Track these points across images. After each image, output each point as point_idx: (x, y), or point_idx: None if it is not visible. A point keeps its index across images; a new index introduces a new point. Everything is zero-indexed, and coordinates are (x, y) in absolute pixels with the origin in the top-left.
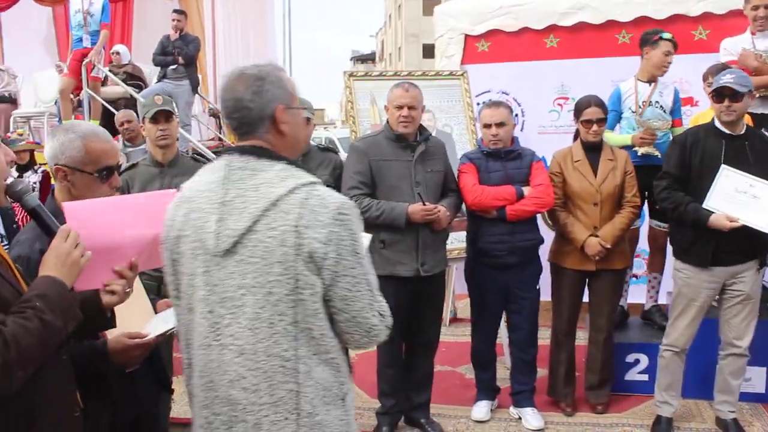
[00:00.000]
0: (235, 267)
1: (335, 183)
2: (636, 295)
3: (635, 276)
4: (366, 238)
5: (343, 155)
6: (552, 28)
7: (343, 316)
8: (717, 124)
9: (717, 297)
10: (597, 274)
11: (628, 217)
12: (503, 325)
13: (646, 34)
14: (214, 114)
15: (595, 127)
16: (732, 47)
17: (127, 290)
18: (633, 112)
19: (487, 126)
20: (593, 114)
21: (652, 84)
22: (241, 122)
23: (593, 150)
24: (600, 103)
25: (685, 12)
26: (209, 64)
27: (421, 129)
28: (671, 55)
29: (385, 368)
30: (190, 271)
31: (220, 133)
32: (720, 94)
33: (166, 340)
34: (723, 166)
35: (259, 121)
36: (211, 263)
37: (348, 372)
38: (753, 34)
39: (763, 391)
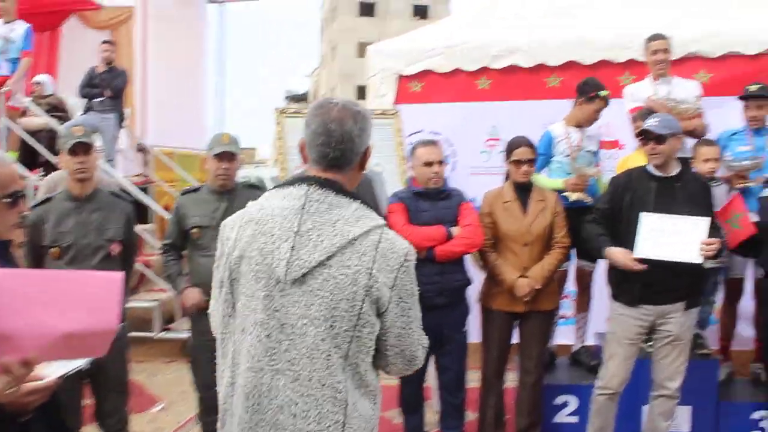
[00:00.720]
0: (300, 297)
1: None
2: (564, 335)
3: (563, 317)
4: (704, 221)
5: None
6: (484, 70)
7: (393, 351)
8: (649, 166)
9: (651, 338)
10: (526, 315)
11: (557, 257)
12: (432, 368)
13: (586, 86)
14: (141, 149)
15: (525, 168)
16: (636, 93)
17: (10, 390)
18: (566, 156)
19: (428, 164)
20: (523, 154)
21: (582, 129)
22: (344, 154)
23: (523, 190)
24: (530, 144)
25: (612, 58)
26: (138, 98)
27: None
28: (601, 112)
29: None
30: (250, 293)
31: (145, 168)
32: (645, 138)
33: (73, 385)
34: (642, 213)
35: (356, 157)
36: (275, 289)
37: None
38: (655, 80)
39: (688, 431)
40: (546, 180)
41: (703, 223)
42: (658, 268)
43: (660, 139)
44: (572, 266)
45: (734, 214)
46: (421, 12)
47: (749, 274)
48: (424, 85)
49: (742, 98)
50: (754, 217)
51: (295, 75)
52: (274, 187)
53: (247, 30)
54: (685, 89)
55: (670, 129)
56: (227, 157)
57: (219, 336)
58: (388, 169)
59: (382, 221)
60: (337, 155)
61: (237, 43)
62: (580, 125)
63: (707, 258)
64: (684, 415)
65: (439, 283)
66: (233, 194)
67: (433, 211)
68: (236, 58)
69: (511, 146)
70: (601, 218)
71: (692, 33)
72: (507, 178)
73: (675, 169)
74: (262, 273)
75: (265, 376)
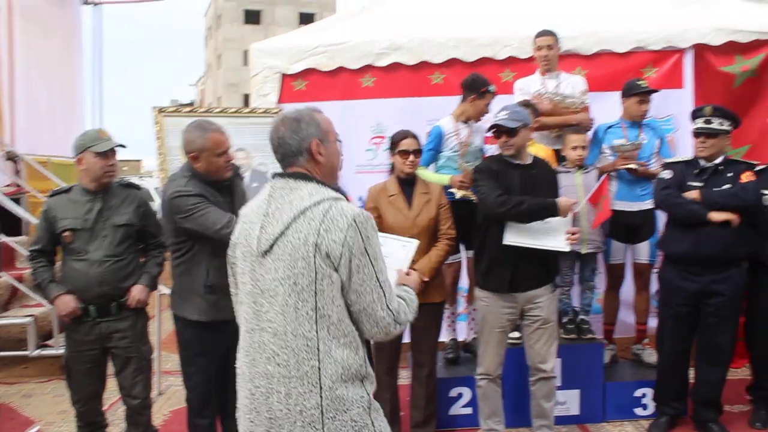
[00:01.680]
0: (271, 264)
1: (139, 221)
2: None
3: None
4: (412, 244)
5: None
6: (368, 68)
7: (355, 308)
8: (505, 156)
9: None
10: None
11: (444, 249)
12: None
13: (476, 83)
14: (11, 157)
15: (411, 158)
16: (525, 87)
17: None
18: (455, 152)
19: None
20: (410, 145)
21: (469, 125)
22: (284, 155)
23: (408, 184)
24: (415, 135)
25: (493, 55)
26: (6, 108)
27: (234, 168)
28: (489, 107)
29: (197, 419)
30: (242, 271)
31: (17, 177)
32: (497, 132)
33: None
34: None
35: (298, 153)
36: (255, 263)
37: (366, 358)
38: (543, 74)
39: (578, 413)
40: (433, 175)
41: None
42: (525, 255)
43: (511, 132)
44: (464, 260)
45: (602, 197)
46: (307, 20)
47: (628, 259)
48: (308, 84)
49: (635, 94)
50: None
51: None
52: None
53: (129, 37)
54: (571, 84)
55: (519, 121)
56: (112, 153)
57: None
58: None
59: (335, 195)
60: (278, 157)
61: (117, 51)
62: (469, 121)
63: (572, 245)
64: (573, 397)
65: None
66: (109, 194)
67: None
68: (117, 65)
69: (397, 137)
70: (505, 193)
71: (569, 31)
72: (391, 173)
73: (529, 158)
74: (246, 252)
75: (255, 335)
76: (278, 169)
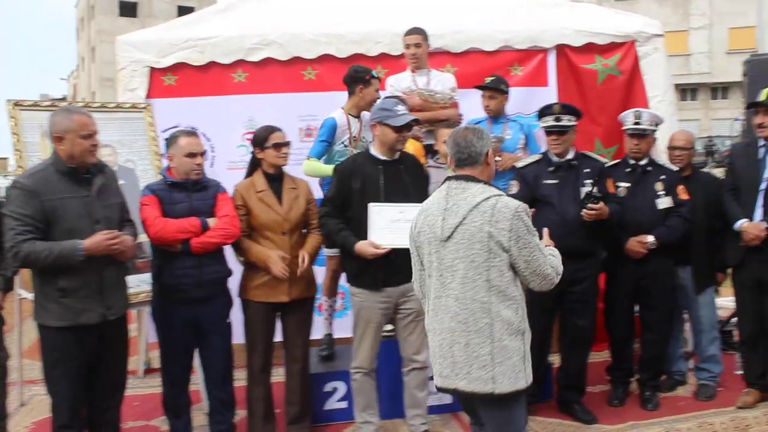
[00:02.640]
0: (452, 246)
1: None
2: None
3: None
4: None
5: None
6: (240, 63)
7: (528, 272)
8: (372, 151)
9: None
10: (288, 305)
11: (317, 239)
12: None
13: (358, 73)
14: None
15: (284, 150)
16: (396, 84)
17: None
18: (346, 146)
19: (191, 155)
20: (282, 138)
21: (360, 119)
22: (468, 156)
23: (275, 180)
24: (281, 129)
25: (365, 52)
26: None
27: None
28: (379, 92)
29: (63, 430)
30: (428, 252)
31: None
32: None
33: None
34: (369, 204)
35: (478, 157)
36: (439, 246)
37: (524, 316)
38: (413, 71)
39: (452, 401)
40: (322, 167)
41: None
42: (399, 253)
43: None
44: None
45: None
46: (186, 13)
47: None
48: (179, 79)
49: (479, 87)
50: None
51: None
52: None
53: None
54: (441, 81)
55: (372, 119)
56: None
57: (417, 287)
58: (142, 165)
59: (498, 192)
60: (462, 157)
61: None
62: (359, 113)
63: None
64: None
65: (196, 276)
66: None
67: (188, 203)
68: None
69: (266, 132)
70: (332, 210)
71: (438, 29)
72: (250, 170)
73: (396, 153)
74: (431, 238)
75: (441, 300)
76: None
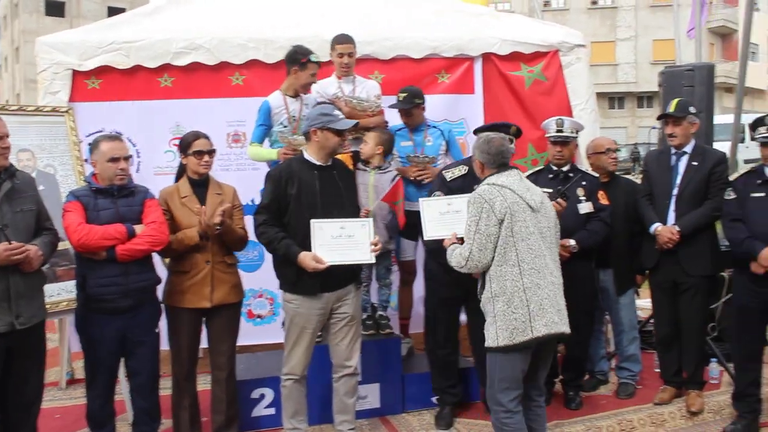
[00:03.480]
0: (543, 215)
1: None
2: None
3: (260, 316)
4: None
5: None
6: (166, 67)
7: None
8: (307, 156)
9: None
10: (213, 310)
11: (239, 231)
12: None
13: (296, 54)
14: None
15: (206, 158)
16: (322, 90)
17: None
18: (285, 126)
19: (114, 160)
20: (204, 145)
21: (299, 99)
22: (509, 158)
23: (200, 185)
24: (207, 136)
25: None
26: None
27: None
28: (316, 76)
29: None
30: (522, 219)
31: None
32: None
33: None
34: (312, 220)
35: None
36: (533, 215)
37: None
38: (339, 78)
39: (379, 406)
40: (263, 151)
41: (368, 223)
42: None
43: (306, 135)
44: None
45: (399, 198)
46: (117, 14)
47: (419, 255)
48: (103, 82)
49: (393, 107)
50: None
51: None
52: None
53: None
54: (366, 88)
55: (310, 125)
56: None
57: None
58: (63, 170)
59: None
60: (505, 159)
61: None
62: (297, 94)
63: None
64: (374, 391)
65: (122, 285)
66: None
67: (113, 209)
68: None
69: (189, 138)
70: (270, 217)
71: (367, 36)
72: (179, 176)
73: (330, 159)
74: (524, 207)
75: (541, 260)
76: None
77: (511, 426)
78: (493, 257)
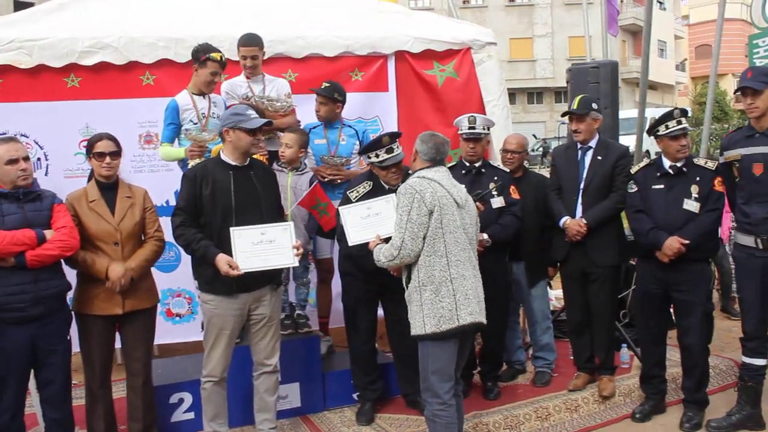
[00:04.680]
0: (466, 212)
1: None
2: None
3: (179, 315)
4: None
5: None
6: (72, 67)
7: None
8: (223, 156)
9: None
10: (126, 316)
11: (152, 249)
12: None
13: (198, 52)
14: None
15: (108, 160)
16: (232, 91)
17: None
18: (195, 124)
19: (12, 162)
20: (106, 147)
21: (207, 97)
22: (445, 155)
23: (109, 189)
24: (112, 138)
25: None
26: None
27: None
28: (218, 75)
29: None
30: (449, 213)
31: None
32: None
33: None
34: (231, 228)
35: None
36: (458, 210)
37: None
38: (247, 78)
39: (300, 405)
40: (171, 150)
41: (289, 227)
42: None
43: (221, 136)
44: None
45: (319, 202)
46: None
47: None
48: (4, 83)
49: (313, 90)
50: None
51: None
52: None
53: None
54: (276, 87)
55: (223, 125)
56: None
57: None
58: None
59: None
60: (442, 157)
61: None
62: (202, 92)
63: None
64: (294, 390)
65: (32, 293)
66: None
67: (21, 214)
68: None
69: (93, 140)
70: (187, 218)
71: (280, 35)
72: (90, 177)
73: (246, 159)
74: (452, 202)
75: (466, 252)
76: None
77: (445, 418)
78: (422, 247)
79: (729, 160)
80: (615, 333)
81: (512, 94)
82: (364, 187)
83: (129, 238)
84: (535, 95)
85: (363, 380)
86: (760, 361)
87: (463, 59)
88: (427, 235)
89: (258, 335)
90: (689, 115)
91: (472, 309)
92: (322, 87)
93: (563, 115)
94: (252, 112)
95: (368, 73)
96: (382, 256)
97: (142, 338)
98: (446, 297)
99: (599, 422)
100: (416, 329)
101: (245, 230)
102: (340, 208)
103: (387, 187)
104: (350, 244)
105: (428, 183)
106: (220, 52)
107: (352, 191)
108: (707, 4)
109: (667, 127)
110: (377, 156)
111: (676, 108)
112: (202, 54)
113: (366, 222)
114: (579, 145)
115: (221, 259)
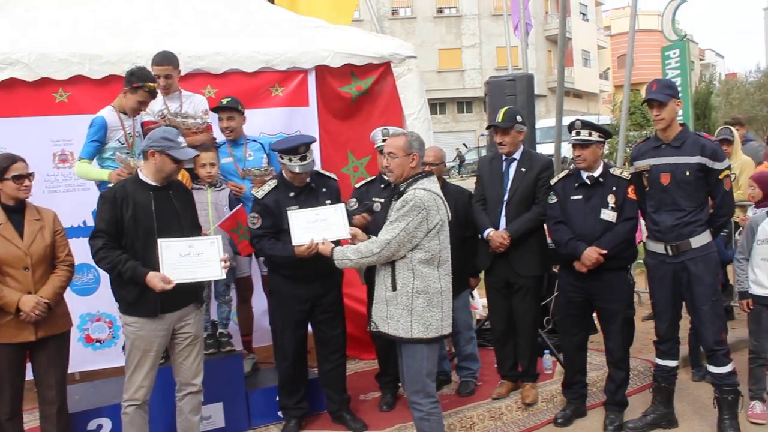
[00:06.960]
0: (446, 228)
1: None
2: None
3: (99, 341)
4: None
5: None
6: None
7: None
8: (141, 176)
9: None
10: (39, 343)
11: (65, 276)
12: None
13: (132, 77)
14: None
15: (26, 182)
16: (149, 107)
17: None
18: (122, 144)
19: None
20: (23, 168)
21: (133, 119)
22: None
23: (16, 212)
24: (23, 159)
25: (121, 73)
26: None
27: None
28: (146, 105)
29: None
30: (447, 227)
31: None
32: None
33: None
34: (159, 240)
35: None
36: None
37: None
38: (164, 95)
39: (224, 425)
40: (93, 170)
41: (217, 241)
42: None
43: (144, 154)
44: None
45: (240, 226)
46: None
47: (254, 271)
48: None
49: (214, 110)
50: None
51: None
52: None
53: None
54: (193, 104)
55: (150, 146)
56: None
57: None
58: None
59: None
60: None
61: None
62: (127, 113)
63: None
64: (217, 410)
65: None
66: None
67: None
68: None
69: (5, 163)
70: (110, 241)
71: (198, 50)
72: None
73: (165, 181)
74: (446, 216)
75: (449, 264)
76: None
77: (438, 415)
78: (404, 256)
79: (639, 170)
80: (538, 340)
81: (442, 104)
82: (270, 185)
83: (40, 262)
84: (464, 105)
85: (289, 401)
86: (672, 363)
87: (384, 73)
88: (429, 247)
89: (182, 354)
90: (599, 124)
91: (450, 321)
92: (225, 102)
93: (488, 127)
94: (182, 140)
95: (288, 88)
96: (363, 246)
97: (55, 364)
98: (436, 307)
99: (522, 429)
100: (400, 332)
101: (173, 242)
102: (288, 211)
103: (294, 185)
104: (294, 244)
105: (434, 199)
106: (156, 82)
107: (258, 190)
108: (627, 15)
109: (572, 137)
110: (290, 161)
111: (578, 119)
112: (136, 81)
113: (313, 226)
114: (503, 157)
115: (153, 277)
